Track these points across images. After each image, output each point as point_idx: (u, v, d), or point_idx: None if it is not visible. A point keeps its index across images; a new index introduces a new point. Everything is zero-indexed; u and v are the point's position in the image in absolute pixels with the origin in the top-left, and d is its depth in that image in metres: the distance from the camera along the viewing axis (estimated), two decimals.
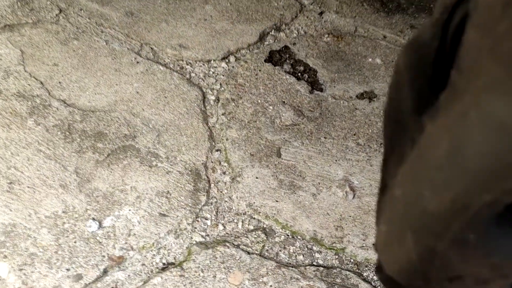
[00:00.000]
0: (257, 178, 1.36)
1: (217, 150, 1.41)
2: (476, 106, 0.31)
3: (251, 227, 1.27)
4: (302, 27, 1.84)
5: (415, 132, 0.40)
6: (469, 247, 0.39)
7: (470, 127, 0.32)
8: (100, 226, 1.19)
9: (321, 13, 1.92)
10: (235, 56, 1.67)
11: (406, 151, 0.41)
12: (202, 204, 1.28)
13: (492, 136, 0.30)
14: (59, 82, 1.46)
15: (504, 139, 0.30)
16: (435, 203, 0.36)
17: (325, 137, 1.49)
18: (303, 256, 1.24)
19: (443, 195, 0.35)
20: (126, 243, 1.17)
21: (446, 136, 0.34)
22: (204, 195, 1.30)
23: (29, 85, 1.43)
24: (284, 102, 1.56)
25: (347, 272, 1.23)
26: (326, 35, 1.83)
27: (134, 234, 1.19)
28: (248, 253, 1.21)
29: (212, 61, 1.63)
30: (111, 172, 1.29)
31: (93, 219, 1.19)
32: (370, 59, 1.77)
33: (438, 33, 0.43)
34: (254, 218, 1.29)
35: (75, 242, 1.15)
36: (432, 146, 0.36)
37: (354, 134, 1.52)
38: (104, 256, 1.14)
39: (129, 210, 1.23)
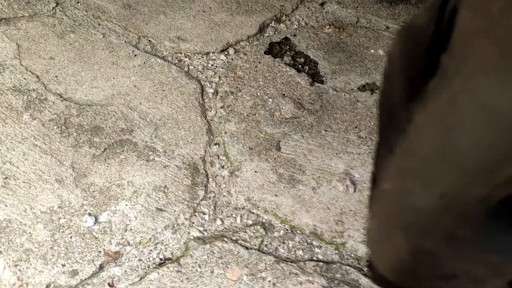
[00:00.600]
0: (256, 172, 1.34)
1: (215, 144, 1.39)
2: (467, 91, 0.29)
3: (250, 222, 1.25)
4: (303, 18, 1.81)
5: (405, 123, 0.38)
6: (461, 244, 0.36)
7: (460, 115, 0.29)
8: (96, 221, 1.17)
9: (322, 4, 1.89)
10: (234, 48, 1.64)
11: (395, 142, 0.39)
12: (200, 198, 1.26)
13: (484, 125, 0.28)
14: (56, 76, 1.44)
15: (497, 127, 0.28)
16: (424, 198, 0.34)
17: (325, 130, 1.47)
18: (302, 251, 1.22)
19: (432, 190, 0.33)
20: (122, 238, 1.16)
21: (434, 125, 0.32)
22: (202, 189, 1.28)
23: (25, 79, 1.41)
24: (284, 94, 1.54)
25: (347, 267, 1.21)
26: (328, 26, 1.80)
27: (131, 229, 1.18)
28: (247, 248, 1.19)
29: (211, 54, 1.61)
30: (107, 166, 1.27)
31: (89, 214, 1.18)
32: (372, 50, 1.74)
33: (434, 18, 0.40)
34: (252, 213, 1.27)
35: (70, 237, 1.14)
36: (420, 137, 0.33)
37: (356, 127, 1.50)
38: (100, 251, 1.13)
39: (126, 205, 1.21)
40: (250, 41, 1.68)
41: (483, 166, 0.30)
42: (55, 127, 1.32)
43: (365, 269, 1.21)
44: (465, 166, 0.31)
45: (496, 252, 0.37)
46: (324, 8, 1.87)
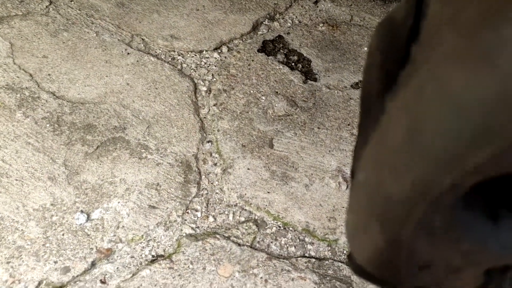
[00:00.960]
0: (248, 169, 1.34)
1: (208, 142, 1.39)
2: (433, 80, 0.29)
3: (242, 219, 1.25)
4: (296, 16, 1.81)
5: (378, 114, 0.38)
6: (436, 233, 0.37)
7: (427, 104, 0.30)
8: (89, 218, 1.18)
9: (316, 2, 1.89)
10: (227, 46, 1.64)
11: (369, 133, 0.39)
12: (193, 196, 1.27)
13: (449, 113, 0.28)
14: (49, 74, 1.44)
15: (461, 116, 0.28)
16: (396, 187, 0.34)
17: (318, 128, 1.47)
18: (294, 247, 1.22)
19: (402, 179, 0.34)
20: (114, 235, 1.16)
21: (404, 115, 0.32)
22: (194, 186, 1.28)
23: (18, 77, 1.41)
24: (277, 92, 1.54)
25: (340, 264, 1.21)
26: (321, 24, 1.80)
27: (123, 226, 1.18)
28: (239, 244, 1.20)
29: (204, 52, 1.61)
30: (100, 164, 1.28)
31: (82, 211, 1.18)
32: (365, 48, 1.75)
33: (412, 11, 0.41)
34: (245, 210, 1.27)
35: (63, 234, 1.14)
36: (391, 127, 0.34)
37: (348, 124, 1.50)
38: (92, 248, 1.13)
39: (118, 202, 1.21)
40: (244, 39, 1.68)
41: (451, 155, 0.30)
42: (47, 125, 1.32)
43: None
44: (433, 154, 0.31)
45: (469, 240, 0.37)
46: (317, 6, 1.88)
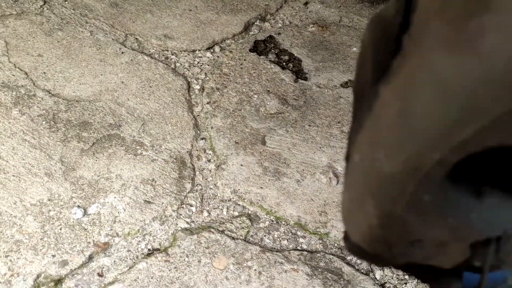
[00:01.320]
0: (242, 165, 1.37)
1: (202, 139, 1.42)
2: (423, 66, 0.33)
3: (236, 213, 1.29)
4: (287, 17, 1.85)
5: (372, 100, 0.42)
6: (425, 209, 0.40)
7: (417, 88, 0.33)
8: (85, 213, 1.20)
9: (306, 3, 1.93)
10: (220, 46, 1.68)
11: (364, 118, 0.43)
12: (187, 191, 1.30)
13: (437, 96, 0.32)
14: (44, 73, 1.46)
15: (448, 98, 0.32)
16: (389, 165, 0.38)
17: (309, 125, 1.51)
18: (287, 241, 1.26)
19: (395, 157, 0.37)
20: (111, 229, 1.19)
21: (396, 98, 0.36)
22: (189, 182, 1.31)
23: (13, 75, 1.43)
24: (269, 91, 1.58)
25: (331, 256, 1.25)
26: (311, 25, 1.84)
27: (120, 221, 1.20)
28: (233, 238, 1.23)
29: (197, 51, 1.64)
30: (96, 160, 1.30)
31: (78, 206, 1.20)
32: (354, 48, 1.79)
33: (401, 7, 0.44)
34: (239, 205, 1.30)
35: (60, 229, 1.16)
36: (384, 109, 0.37)
37: (338, 122, 1.54)
38: (89, 242, 1.16)
39: (114, 197, 1.24)
40: (236, 39, 1.71)
41: (438, 132, 0.34)
42: (44, 122, 1.34)
43: (348, 257, 1.25)
44: (422, 133, 0.35)
45: (455, 216, 0.41)
46: (307, 8, 1.92)
